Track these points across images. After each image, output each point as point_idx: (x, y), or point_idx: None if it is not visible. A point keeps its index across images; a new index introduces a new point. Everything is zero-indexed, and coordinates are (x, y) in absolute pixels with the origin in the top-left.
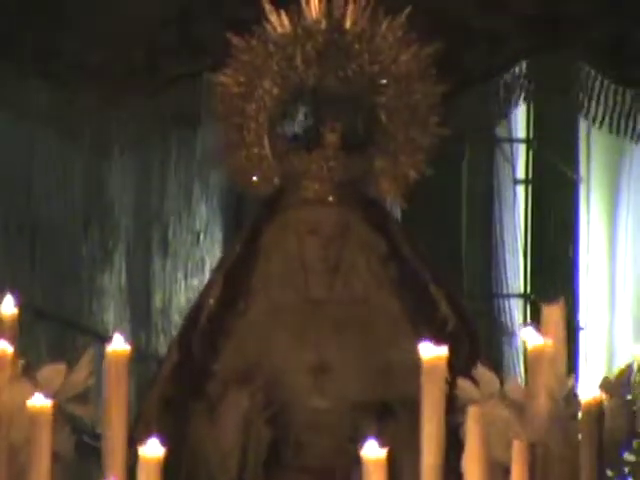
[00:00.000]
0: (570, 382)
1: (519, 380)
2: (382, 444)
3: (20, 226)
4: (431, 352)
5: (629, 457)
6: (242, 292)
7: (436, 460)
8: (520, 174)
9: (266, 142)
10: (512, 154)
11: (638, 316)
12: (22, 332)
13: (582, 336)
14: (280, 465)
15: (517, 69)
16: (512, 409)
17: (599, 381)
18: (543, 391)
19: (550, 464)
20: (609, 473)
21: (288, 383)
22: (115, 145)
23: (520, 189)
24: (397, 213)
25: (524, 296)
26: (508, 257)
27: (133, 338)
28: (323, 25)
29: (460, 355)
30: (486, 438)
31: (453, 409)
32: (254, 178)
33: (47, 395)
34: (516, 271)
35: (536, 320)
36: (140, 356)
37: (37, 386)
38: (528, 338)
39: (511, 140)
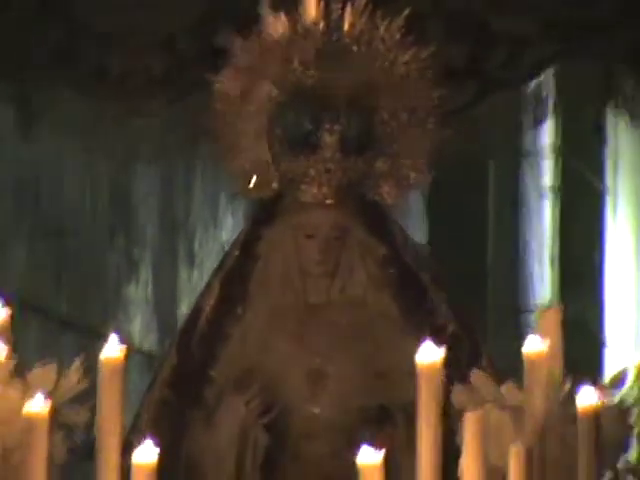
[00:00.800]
0: (567, 386)
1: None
2: (380, 449)
3: (46, 236)
4: (427, 356)
5: (626, 461)
6: (240, 296)
7: (433, 465)
8: (547, 184)
9: (264, 145)
10: (539, 164)
11: None
12: (47, 342)
13: (607, 352)
14: (277, 471)
15: (544, 78)
16: (509, 414)
17: (596, 385)
18: (540, 395)
19: (547, 469)
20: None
21: (285, 389)
22: (140, 154)
23: (547, 199)
24: (424, 224)
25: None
26: (535, 267)
27: (159, 348)
28: (321, 27)
29: (460, 360)
30: (483, 443)
31: (451, 414)
32: (252, 181)
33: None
34: (543, 282)
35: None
36: None
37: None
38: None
39: (538, 150)
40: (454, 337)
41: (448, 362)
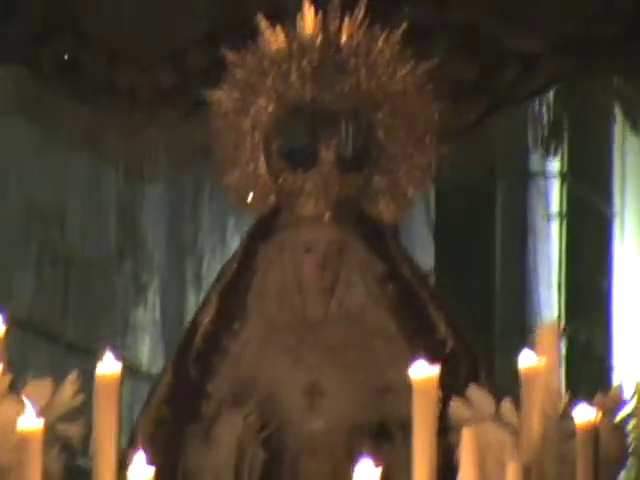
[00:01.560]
0: (565, 402)
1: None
2: (378, 466)
3: (53, 260)
4: (422, 372)
5: (624, 476)
6: (237, 312)
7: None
8: (554, 208)
9: (261, 160)
10: (546, 188)
11: None
12: (55, 366)
13: (616, 372)
14: None
15: (552, 99)
16: (506, 430)
17: (593, 401)
18: (537, 411)
19: None
20: None
21: (283, 404)
22: (148, 173)
23: (554, 223)
24: (431, 249)
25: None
26: (542, 292)
27: None
28: (319, 40)
29: (459, 377)
30: (480, 460)
31: (448, 430)
32: (249, 196)
33: (34, 412)
34: (550, 306)
35: (570, 355)
36: None
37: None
38: (523, 359)
39: (545, 174)
40: (453, 353)
41: (447, 378)
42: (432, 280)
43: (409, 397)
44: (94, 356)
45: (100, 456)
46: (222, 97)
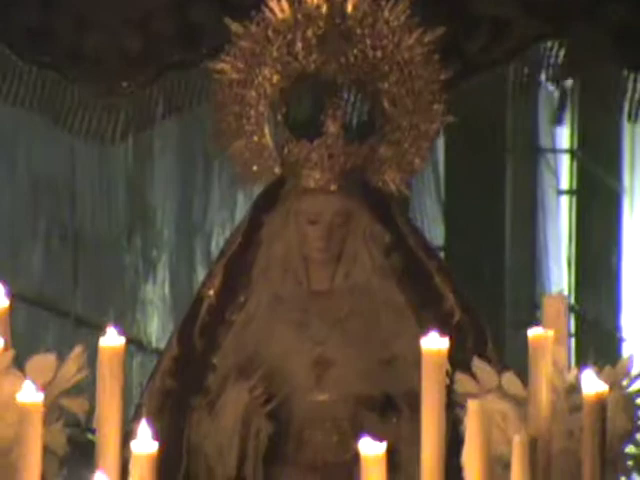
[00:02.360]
0: (572, 374)
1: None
2: (384, 438)
3: (63, 236)
4: (432, 345)
5: (632, 450)
6: (242, 284)
7: (436, 454)
8: (564, 185)
9: (266, 131)
10: (556, 165)
11: None
12: (64, 342)
13: (625, 348)
14: (281, 460)
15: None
16: (511, 403)
17: (601, 373)
18: (544, 383)
19: (551, 458)
20: None
21: (289, 376)
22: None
23: (564, 200)
24: (441, 226)
25: (568, 308)
26: (552, 268)
27: None
28: (324, 10)
29: (466, 348)
30: (486, 433)
31: (454, 403)
32: (254, 167)
33: (37, 387)
34: (560, 282)
35: (580, 332)
36: None
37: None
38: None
39: (555, 150)
40: (460, 325)
41: (454, 349)
42: (442, 256)
43: (416, 369)
44: (104, 332)
45: (103, 429)
46: (226, 68)
